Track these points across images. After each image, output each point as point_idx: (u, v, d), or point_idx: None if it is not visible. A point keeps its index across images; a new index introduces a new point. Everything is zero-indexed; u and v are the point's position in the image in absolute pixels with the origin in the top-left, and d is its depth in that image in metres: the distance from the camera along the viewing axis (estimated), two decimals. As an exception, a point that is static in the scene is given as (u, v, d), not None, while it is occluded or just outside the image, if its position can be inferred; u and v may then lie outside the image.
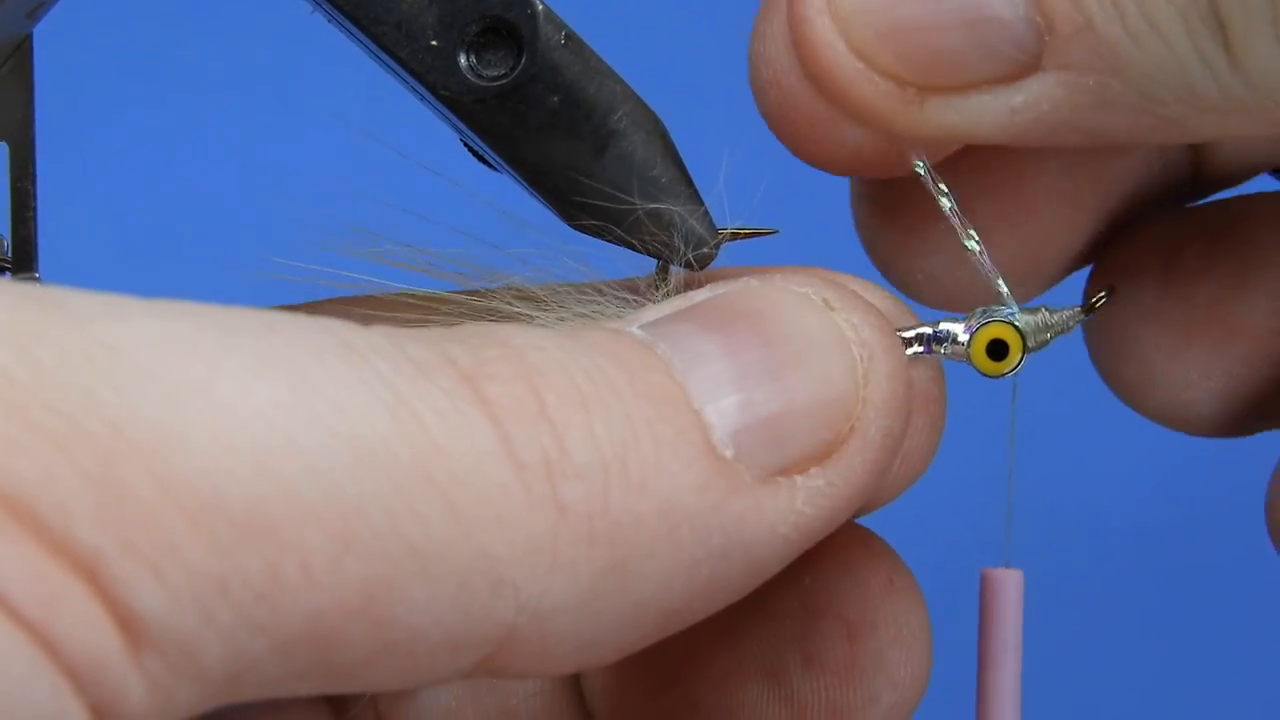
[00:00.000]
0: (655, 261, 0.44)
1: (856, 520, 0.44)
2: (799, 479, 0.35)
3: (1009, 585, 0.44)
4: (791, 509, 0.35)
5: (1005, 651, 0.44)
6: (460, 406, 0.31)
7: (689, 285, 0.42)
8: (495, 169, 0.43)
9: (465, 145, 0.44)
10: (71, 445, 0.28)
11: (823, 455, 0.35)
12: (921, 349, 0.44)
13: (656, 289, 0.45)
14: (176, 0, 1.09)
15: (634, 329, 0.36)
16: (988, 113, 0.38)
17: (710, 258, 0.43)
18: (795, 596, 0.42)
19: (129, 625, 0.28)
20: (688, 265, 0.44)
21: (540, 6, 0.41)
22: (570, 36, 0.41)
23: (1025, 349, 0.44)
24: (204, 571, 0.28)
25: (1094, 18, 0.36)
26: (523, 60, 0.41)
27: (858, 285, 0.40)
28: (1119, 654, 1.03)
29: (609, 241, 0.43)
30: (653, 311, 0.37)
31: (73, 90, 1.05)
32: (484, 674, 0.33)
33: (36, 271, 0.47)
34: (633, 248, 0.43)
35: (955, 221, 0.42)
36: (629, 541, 0.33)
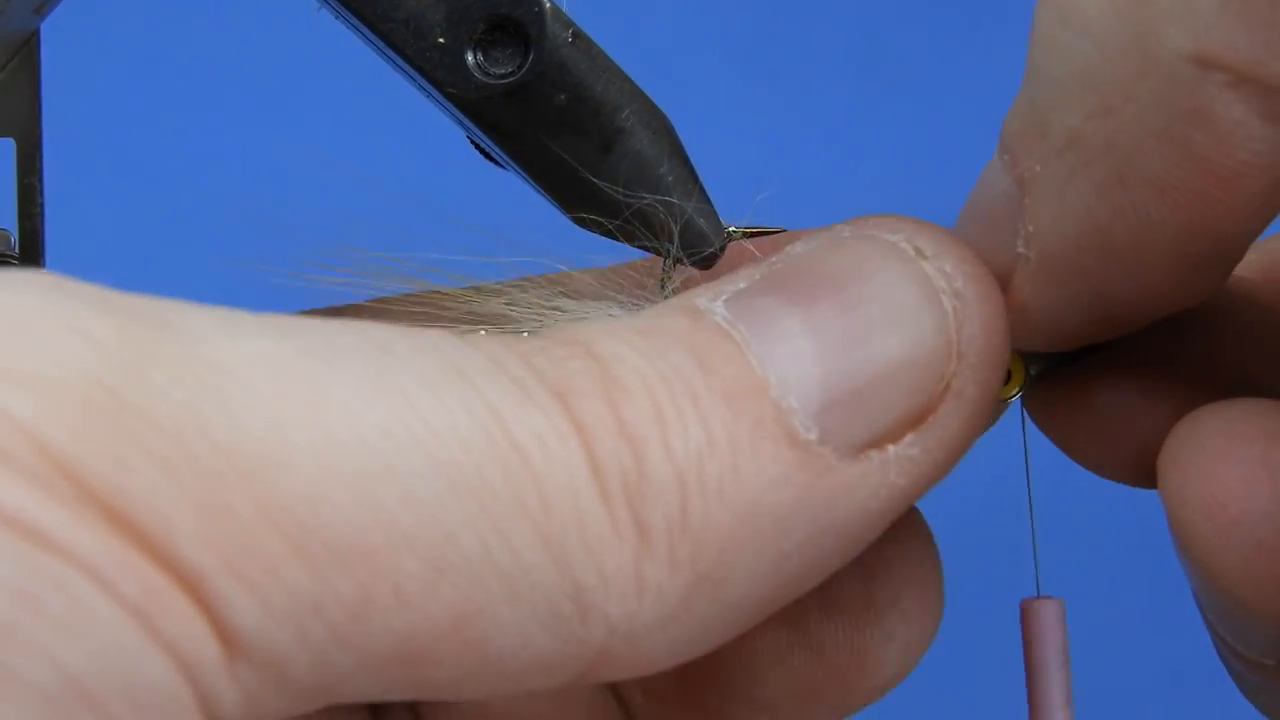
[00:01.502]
0: (661, 260, 0.44)
1: None
2: (891, 449, 0.35)
3: (1050, 614, 0.44)
4: (884, 482, 0.35)
5: (1052, 681, 0.44)
6: (556, 426, 0.32)
7: (689, 285, 0.42)
8: (502, 166, 0.43)
9: (472, 143, 0.44)
10: (178, 466, 0.29)
11: (916, 420, 0.35)
12: None
13: (661, 288, 0.45)
14: (184, -4, 1.09)
15: (718, 306, 0.36)
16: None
17: (716, 256, 0.43)
18: None
19: (226, 637, 0.29)
20: (694, 263, 0.44)
21: (548, 4, 0.41)
22: (578, 34, 0.41)
23: (1027, 376, 0.44)
24: (300, 592, 0.29)
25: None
26: (530, 58, 0.41)
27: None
28: (1169, 672, 1.03)
29: (615, 239, 0.43)
30: (739, 279, 0.37)
31: (79, 85, 1.05)
32: (587, 682, 0.33)
33: (43, 268, 0.47)
34: (639, 245, 0.43)
35: None
36: (712, 553, 0.33)
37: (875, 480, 0.35)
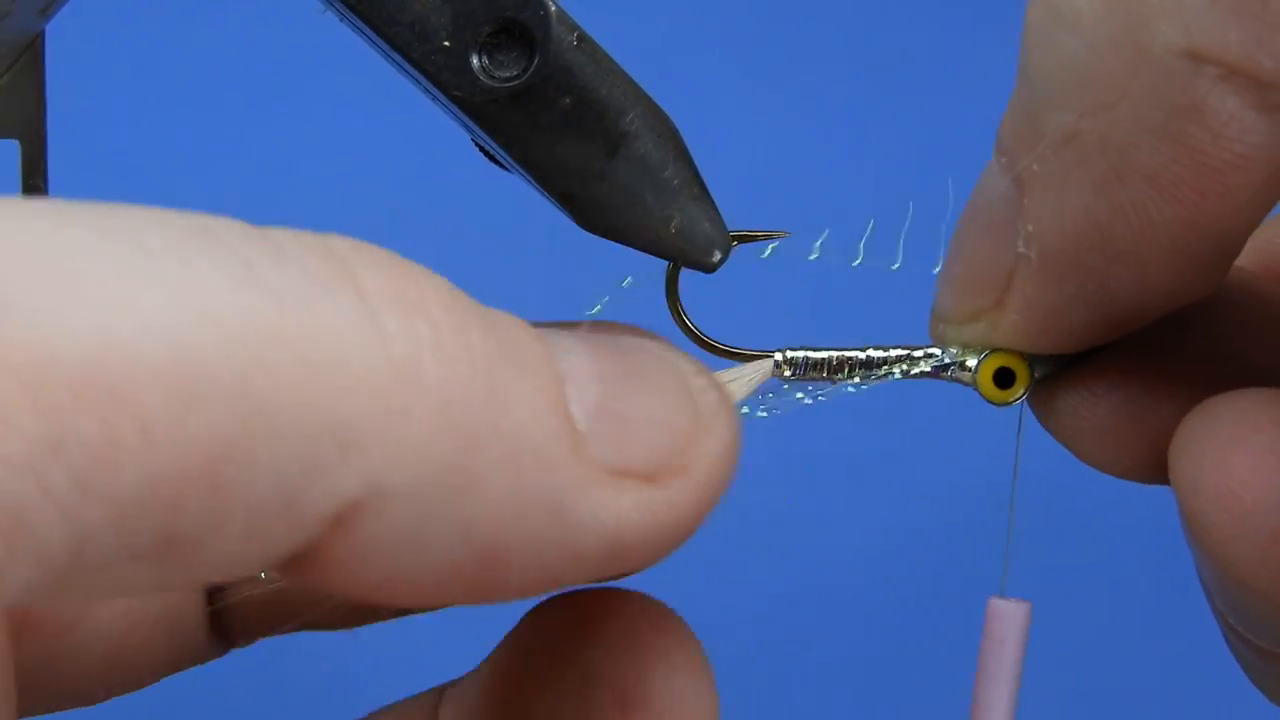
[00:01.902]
0: (665, 263, 0.44)
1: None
2: (628, 484, 0.36)
3: (1016, 617, 0.44)
4: (620, 504, 0.35)
5: (1002, 684, 0.44)
6: (325, 281, 0.31)
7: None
8: (507, 169, 0.43)
9: (477, 145, 0.44)
10: None
11: (654, 477, 0.36)
12: (929, 370, 0.45)
13: (667, 292, 0.45)
14: (188, -1, 1.09)
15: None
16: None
17: (722, 260, 0.43)
18: (577, 668, 0.42)
19: None
20: (699, 268, 0.44)
21: (553, 7, 0.41)
22: (583, 37, 0.41)
23: (1032, 378, 0.44)
24: (37, 436, 0.28)
25: None
26: (535, 61, 0.41)
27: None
28: (1124, 682, 1.03)
29: (619, 243, 0.43)
30: None
31: (84, 88, 1.05)
32: (310, 572, 0.32)
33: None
34: (643, 250, 0.43)
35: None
36: (479, 444, 0.33)
37: (612, 497, 0.35)
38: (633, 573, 0.38)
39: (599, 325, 0.40)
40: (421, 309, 0.32)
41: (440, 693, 0.47)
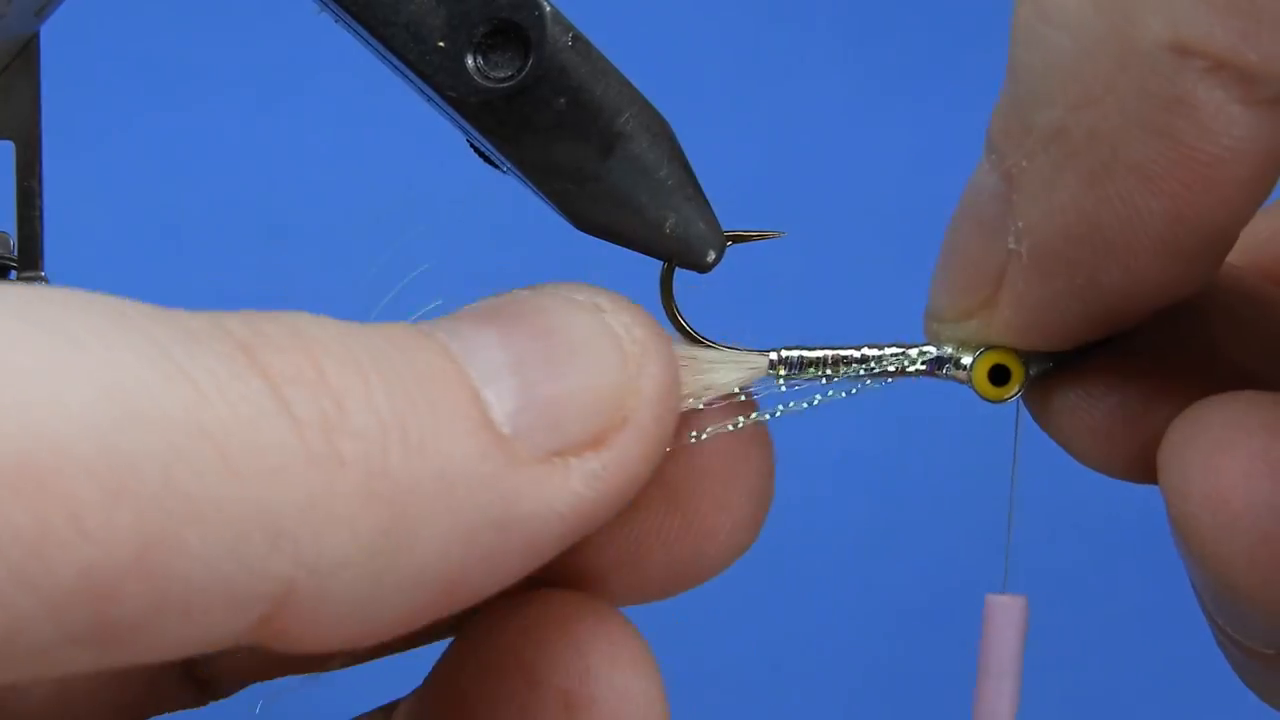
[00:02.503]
0: (660, 264, 0.44)
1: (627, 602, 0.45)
2: (574, 461, 0.36)
3: (1013, 611, 0.44)
4: (567, 488, 0.36)
5: (1003, 679, 0.44)
6: (235, 370, 0.32)
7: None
8: (502, 170, 0.43)
9: (471, 146, 0.44)
10: None
11: (597, 441, 0.37)
12: (924, 369, 0.45)
13: (663, 292, 0.45)
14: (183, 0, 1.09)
15: (418, 326, 0.37)
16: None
17: (717, 260, 0.43)
18: (521, 672, 0.42)
19: None
20: (694, 268, 0.44)
21: (548, 8, 0.41)
22: (577, 38, 0.41)
23: (1027, 375, 0.44)
24: None
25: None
26: (530, 62, 0.41)
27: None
28: (1123, 677, 1.03)
29: (614, 244, 0.43)
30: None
31: (79, 89, 1.05)
32: (266, 640, 0.33)
33: (42, 270, 0.47)
34: (638, 250, 0.43)
35: None
36: (408, 501, 0.33)
37: (559, 483, 0.36)
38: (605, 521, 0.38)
39: (502, 298, 0.40)
40: (323, 385, 0.33)
41: (392, 708, 0.47)
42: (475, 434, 0.35)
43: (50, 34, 0.46)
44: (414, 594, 0.34)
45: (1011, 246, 0.41)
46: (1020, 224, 0.40)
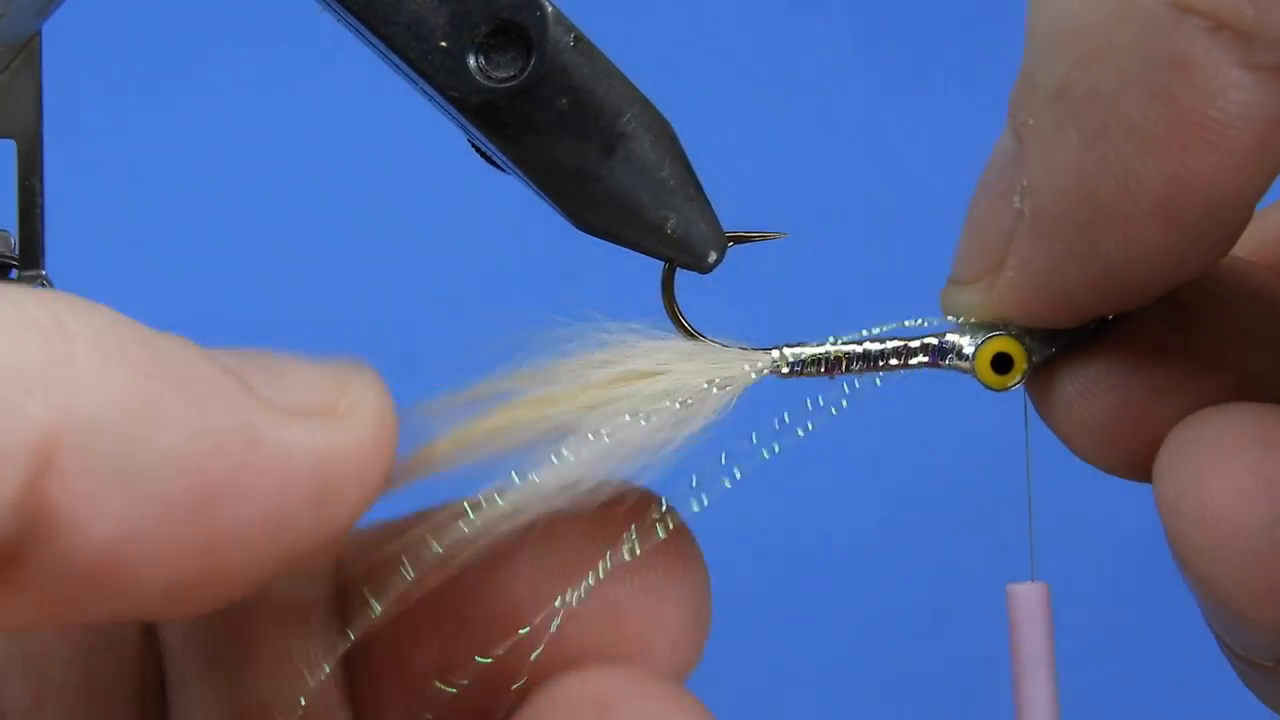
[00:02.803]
0: (661, 264, 0.44)
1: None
2: (313, 419, 0.37)
3: (1034, 599, 0.44)
4: (306, 429, 0.37)
5: (1037, 666, 0.44)
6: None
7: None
8: (503, 170, 0.43)
9: (473, 146, 0.44)
10: None
11: (323, 412, 0.38)
12: (927, 360, 0.45)
13: (664, 292, 0.45)
14: (185, -1, 1.09)
15: None
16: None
17: (718, 261, 0.43)
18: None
19: None
20: (694, 269, 0.44)
21: (550, 8, 0.41)
22: (579, 38, 0.41)
23: (1030, 363, 0.44)
24: None
25: None
26: (532, 62, 0.41)
27: None
28: (1155, 660, 1.03)
29: (616, 244, 0.43)
30: None
31: (81, 87, 1.05)
32: (37, 524, 0.33)
33: (43, 269, 0.47)
34: (639, 250, 0.43)
35: None
36: (148, 374, 0.34)
37: (301, 429, 0.37)
38: (355, 513, 0.39)
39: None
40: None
41: None
42: (205, 358, 0.36)
43: (52, 33, 0.46)
44: (169, 481, 0.34)
45: (1016, 205, 0.40)
46: (1025, 183, 0.40)
